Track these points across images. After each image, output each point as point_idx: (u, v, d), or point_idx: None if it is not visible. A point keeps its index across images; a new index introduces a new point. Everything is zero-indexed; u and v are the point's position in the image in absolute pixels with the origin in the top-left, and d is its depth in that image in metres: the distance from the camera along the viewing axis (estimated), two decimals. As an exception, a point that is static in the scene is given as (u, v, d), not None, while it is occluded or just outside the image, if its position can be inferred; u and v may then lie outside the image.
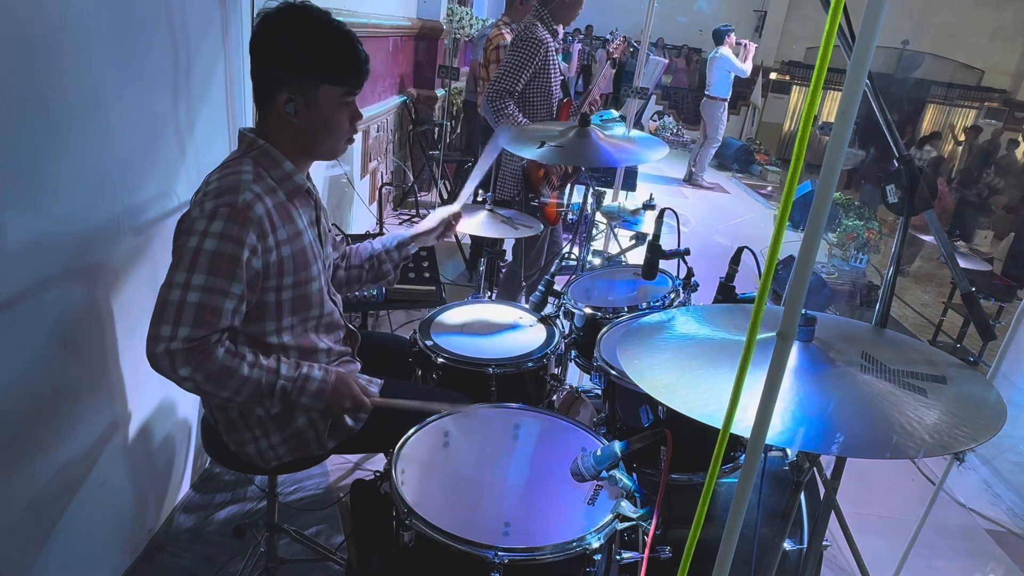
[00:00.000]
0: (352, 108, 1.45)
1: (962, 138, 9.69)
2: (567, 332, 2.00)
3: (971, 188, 7.82)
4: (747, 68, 8.08)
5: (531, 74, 3.01)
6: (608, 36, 4.43)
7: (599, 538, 1.15)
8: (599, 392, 1.83)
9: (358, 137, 4.14)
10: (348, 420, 1.59)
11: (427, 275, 2.68)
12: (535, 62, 2.98)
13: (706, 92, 8.20)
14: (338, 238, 1.81)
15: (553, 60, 3.07)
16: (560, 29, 3.16)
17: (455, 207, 1.90)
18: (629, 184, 4.96)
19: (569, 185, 3.67)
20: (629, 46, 4.04)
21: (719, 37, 8.00)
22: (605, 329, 1.83)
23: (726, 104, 8.11)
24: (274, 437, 1.53)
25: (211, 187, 1.35)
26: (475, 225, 2.35)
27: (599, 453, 1.23)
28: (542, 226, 2.44)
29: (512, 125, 2.95)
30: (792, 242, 4.45)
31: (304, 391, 1.41)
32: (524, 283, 3.37)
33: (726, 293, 1.69)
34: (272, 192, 1.40)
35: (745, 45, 8.17)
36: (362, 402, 1.47)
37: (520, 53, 2.97)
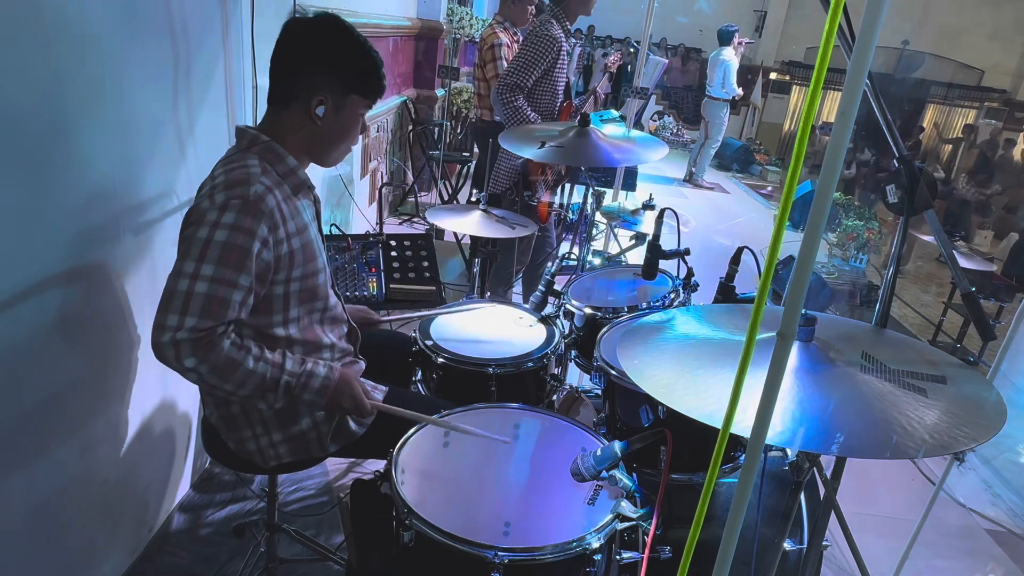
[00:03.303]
0: (363, 122, 1.52)
1: (960, 135, 9.68)
2: (567, 332, 2.00)
3: (971, 188, 7.83)
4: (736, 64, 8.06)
5: (542, 71, 3.01)
6: (605, 52, 4.47)
7: (599, 538, 1.15)
8: (599, 392, 1.83)
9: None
10: (352, 424, 1.58)
11: (427, 275, 2.67)
12: (547, 59, 3.00)
13: (707, 92, 8.19)
14: None
15: (563, 60, 3.09)
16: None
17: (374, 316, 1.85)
18: (629, 184, 4.96)
19: (566, 185, 3.67)
20: (629, 46, 4.06)
21: (726, 38, 7.95)
22: (605, 329, 1.83)
23: (728, 104, 8.10)
24: (275, 435, 1.52)
25: (219, 180, 1.36)
26: (471, 225, 2.35)
27: (599, 453, 1.23)
28: (537, 225, 2.45)
29: (522, 121, 2.96)
30: (792, 242, 4.44)
31: (307, 387, 1.41)
32: (516, 278, 3.39)
33: (726, 293, 1.69)
34: (279, 186, 1.42)
35: (742, 43, 8.17)
36: (362, 403, 1.46)
37: (534, 49, 2.98)
